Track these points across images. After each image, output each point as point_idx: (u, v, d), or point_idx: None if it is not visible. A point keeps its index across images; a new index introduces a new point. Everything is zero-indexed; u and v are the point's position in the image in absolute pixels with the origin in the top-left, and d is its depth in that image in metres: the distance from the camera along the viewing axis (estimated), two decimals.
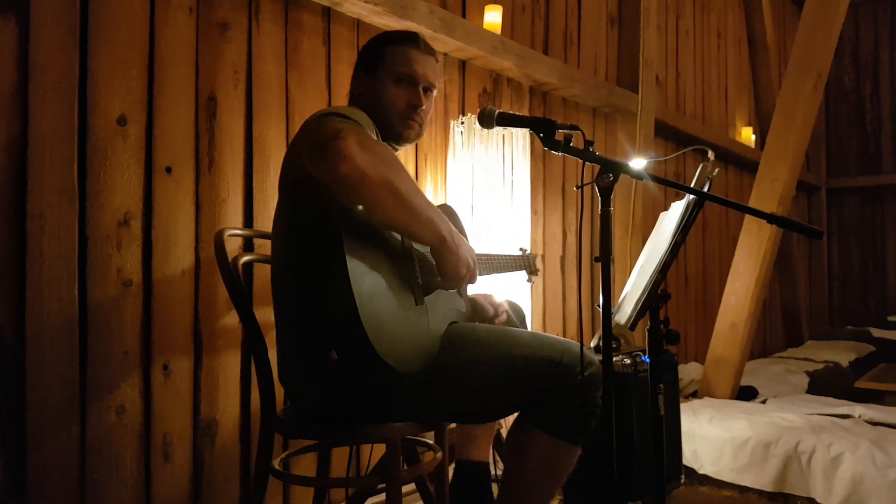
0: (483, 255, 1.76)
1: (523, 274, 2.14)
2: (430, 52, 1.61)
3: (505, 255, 1.94)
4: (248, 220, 1.94)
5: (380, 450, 1.81)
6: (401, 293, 1.37)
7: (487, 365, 1.43)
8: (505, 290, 2.37)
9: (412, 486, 2.17)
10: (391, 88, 1.55)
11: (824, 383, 4.34)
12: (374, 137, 1.37)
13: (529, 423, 1.50)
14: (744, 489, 2.78)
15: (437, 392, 1.42)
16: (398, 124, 1.56)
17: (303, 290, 1.38)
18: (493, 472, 1.84)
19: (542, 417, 1.49)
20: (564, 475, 1.55)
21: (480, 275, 1.71)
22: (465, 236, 1.72)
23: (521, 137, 2.51)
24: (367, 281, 1.28)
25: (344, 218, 1.28)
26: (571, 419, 1.49)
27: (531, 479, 1.52)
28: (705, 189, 1.41)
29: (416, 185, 1.33)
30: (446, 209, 1.72)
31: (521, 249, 2.08)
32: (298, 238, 1.39)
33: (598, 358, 1.47)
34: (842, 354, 5.13)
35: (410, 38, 1.59)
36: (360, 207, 1.24)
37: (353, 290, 1.24)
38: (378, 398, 1.40)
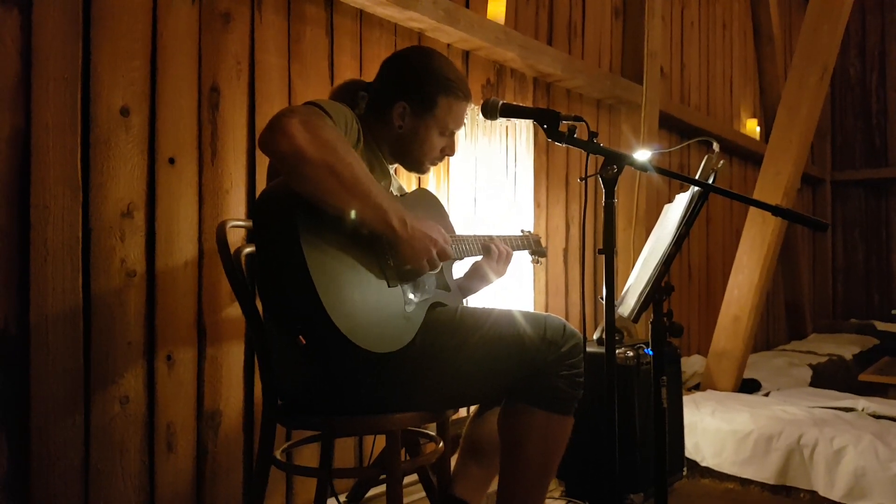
0: (479, 237, 1.74)
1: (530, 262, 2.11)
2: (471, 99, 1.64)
3: (504, 237, 1.89)
4: (251, 212, 1.94)
5: (383, 440, 1.82)
6: (368, 276, 1.34)
7: (473, 349, 1.44)
8: (512, 277, 2.37)
9: (414, 477, 2.17)
10: (435, 137, 1.59)
11: (827, 376, 4.34)
12: (335, 126, 1.32)
13: (521, 401, 1.51)
14: (745, 482, 2.79)
15: (425, 378, 1.42)
16: (427, 163, 1.63)
17: (267, 279, 1.33)
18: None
19: (534, 394, 1.50)
20: (562, 449, 1.56)
21: (473, 256, 1.72)
22: (447, 222, 1.70)
23: (524, 129, 2.51)
24: (326, 266, 1.26)
25: (301, 203, 1.26)
26: (562, 391, 1.51)
27: (532, 459, 1.52)
28: (710, 181, 1.40)
29: (367, 171, 1.29)
30: (420, 195, 1.67)
31: (521, 230, 2.03)
32: (259, 224, 1.34)
33: (587, 337, 1.50)
34: (845, 348, 5.13)
35: (465, 93, 1.59)
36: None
37: (311, 277, 1.21)
38: (359, 384, 1.39)
